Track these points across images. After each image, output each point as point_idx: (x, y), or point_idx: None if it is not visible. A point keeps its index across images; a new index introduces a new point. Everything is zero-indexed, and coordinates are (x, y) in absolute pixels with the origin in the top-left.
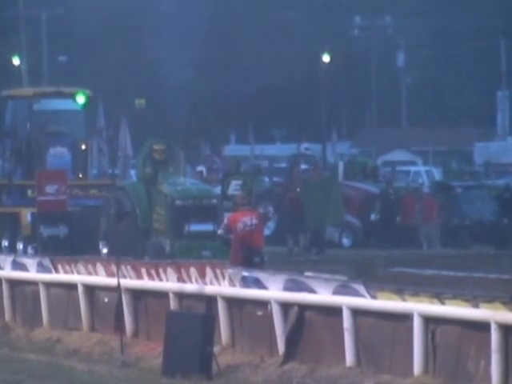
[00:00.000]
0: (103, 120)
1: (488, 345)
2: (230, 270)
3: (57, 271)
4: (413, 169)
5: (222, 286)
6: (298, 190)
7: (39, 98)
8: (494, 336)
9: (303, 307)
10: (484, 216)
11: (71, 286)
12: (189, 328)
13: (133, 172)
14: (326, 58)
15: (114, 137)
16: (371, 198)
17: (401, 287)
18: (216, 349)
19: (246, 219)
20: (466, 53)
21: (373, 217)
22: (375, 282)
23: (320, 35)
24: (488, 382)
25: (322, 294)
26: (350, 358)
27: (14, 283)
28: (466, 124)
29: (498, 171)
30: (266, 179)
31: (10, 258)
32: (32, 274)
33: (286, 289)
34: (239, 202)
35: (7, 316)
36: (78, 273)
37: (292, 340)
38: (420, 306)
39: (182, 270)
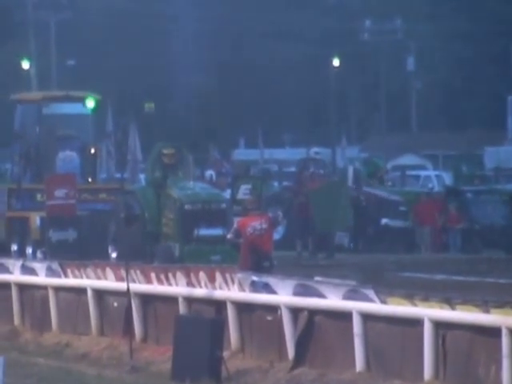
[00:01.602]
0: (112, 124)
1: (499, 350)
2: (239, 275)
3: (66, 275)
4: (423, 173)
5: (232, 290)
6: (306, 195)
7: (48, 102)
8: (505, 341)
9: (313, 312)
10: (494, 220)
11: (80, 291)
12: (198, 332)
13: (142, 176)
14: (335, 62)
15: (123, 141)
16: (381, 203)
17: (411, 292)
18: (225, 353)
19: (255, 224)
20: (476, 57)
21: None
22: (385, 286)
23: (330, 39)
24: None
25: (332, 299)
26: (359, 363)
27: (23, 287)
28: (476, 128)
29: (508, 175)
30: (276, 183)
31: (19, 263)
32: (41, 278)
33: (296, 294)
34: (249, 207)
35: (16, 320)
36: (87, 277)
37: (302, 345)
38: (430, 311)
39: (192, 275)
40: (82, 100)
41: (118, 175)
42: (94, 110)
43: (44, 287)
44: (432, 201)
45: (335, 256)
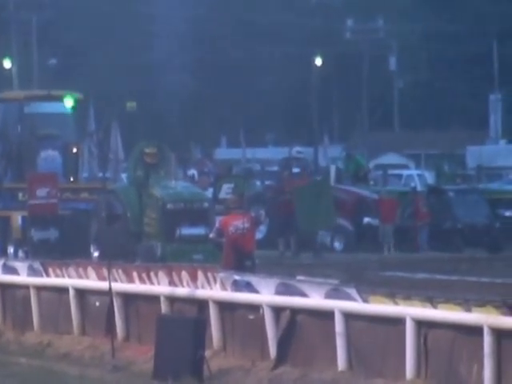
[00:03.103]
0: (94, 123)
1: (481, 349)
2: (221, 274)
3: (48, 275)
4: (405, 172)
5: (214, 289)
6: (289, 194)
7: (30, 101)
8: (487, 340)
9: (295, 311)
10: (476, 219)
11: (62, 290)
12: (180, 332)
13: (124, 175)
14: (317, 62)
15: (105, 140)
16: (363, 202)
17: (393, 291)
18: (207, 353)
19: (237, 223)
20: (458, 56)
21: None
22: (367, 285)
23: (312, 38)
24: None
25: (314, 298)
26: (341, 362)
27: (4, 287)
28: (458, 127)
29: (490, 175)
30: (258, 183)
31: (0, 262)
32: (23, 277)
33: (278, 293)
34: (231, 206)
35: None
36: (69, 276)
37: (284, 344)
38: (412, 310)
39: (174, 274)
40: (63, 99)
41: (101, 174)
42: (73, 108)
43: (26, 286)
44: (392, 199)
45: (322, 255)
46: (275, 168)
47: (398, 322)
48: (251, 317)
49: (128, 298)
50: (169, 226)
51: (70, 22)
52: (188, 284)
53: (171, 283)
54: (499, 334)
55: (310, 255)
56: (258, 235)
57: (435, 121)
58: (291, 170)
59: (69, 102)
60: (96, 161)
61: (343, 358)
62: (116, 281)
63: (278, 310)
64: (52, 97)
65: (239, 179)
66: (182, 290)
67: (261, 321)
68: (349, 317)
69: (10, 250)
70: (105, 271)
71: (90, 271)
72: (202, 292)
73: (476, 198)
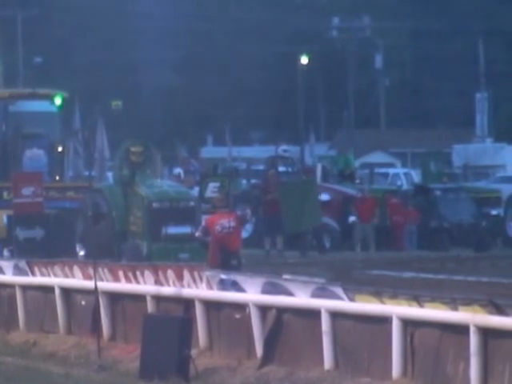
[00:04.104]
0: (79, 122)
1: (467, 348)
2: (207, 273)
3: (33, 274)
4: (391, 171)
5: (200, 288)
6: (275, 192)
7: (15, 100)
8: (473, 339)
9: (281, 310)
10: (463, 218)
11: (48, 289)
12: (166, 331)
13: (109, 174)
14: (303, 60)
15: (91, 139)
16: (349, 201)
17: (379, 290)
18: (194, 352)
19: (223, 221)
20: (444, 54)
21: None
22: (353, 284)
23: (298, 37)
24: None
25: (300, 297)
26: (328, 360)
27: None
28: (444, 126)
29: (476, 173)
30: (244, 181)
31: None
32: (8, 276)
33: (264, 292)
34: (217, 205)
35: None
36: (55, 275)
37: (270, 343)
38: (399, 309)
39: (160, 273)
40: (48, 97)
41: (87, 173)
42: (61, 107)
43: (11, 286)
44: (371, 198)
45: (308, 254)
46: (261, 167)
47: (384, 320)
48: (237, 316)
49: (114, 297)
50: (155, 224)
51: (55, 20)
52: (174, 283)
53: (157, 282)
54: (485, 332)
55: (296, 254)
56: (244, 234)
57: (421, 119)
58: (277, 169)
59: (57, 101)
60: (82, 160)
61: (329, 357)
62: (102, 280)
63: (264, 309)
64: (37, 95)
65: (225, 178)
66: (168, 289)
67: (247, 320)
68: (335, 316)
69: None
70: (90, 270)
71: (76, 270)
72: (188, 291)
73: (462, 196)
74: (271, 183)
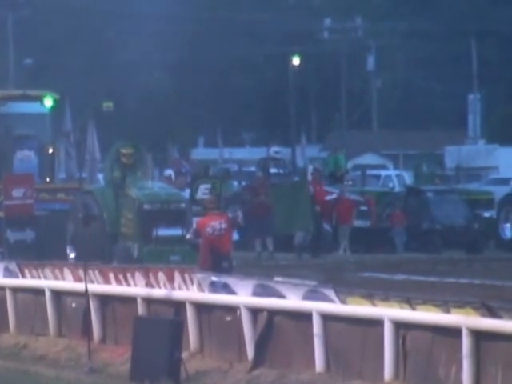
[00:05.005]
0: (70, 123)
1: (459, 350)
2: (198, 275)
3: (24, 276)
4: (383, 173)
5: (191, 290)
6: (264, 194)
7: (5, 102)
8: (465, 341)
9: (272, 312)
10: (455, 220)
11: (38, 291)
12: (157, 333)
13: (100, 176)
14: (295, 61)
15: (82, 140)
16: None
17: (371, 292)
18: (184, 354)
19: (214, 224)
20: (436, 55)
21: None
22: (345, 286)
23: (290, 38)
24: None
25: (292, 300)
26: (319, 363)
27: None
28: (436, 127)
29: (468, 175)
30: (235, 183)
31: None
32: None
33: (255, 294)
34: (208, 206)
35: None
36: (45, 278)
37: (261, 345)
38: (390, 311)
39: (150, 275)
40: (39, 99)
41: (78, 175)
42: (53, 108)
43: (1, 288)
44: (349, 199)
45: (300, 256)
46: (253, 168)
47: (376, 323)
48: (228, 318)
49: (104, 300)
50: (145, 226)
51: (46, 21)
52: (165, 285)
53: (148, 284)
54: (478, 335)
55: (288, 256)
56: (235, 236)
57: (414, 121)
58: (268, 170)
59: (48, 102)
60: (73, 161)
61: (321, 360)
62: (92, 282)
63: (255, 312)
64: (28, 97)
65: (216, 180)
66: (159, 292)
67: (238, 322)
68: (327, 318)
69: None
70: (81, 272)
71: (67, 272)
72: (179, 293)
73: (455, 198)
74: (259, 186)
